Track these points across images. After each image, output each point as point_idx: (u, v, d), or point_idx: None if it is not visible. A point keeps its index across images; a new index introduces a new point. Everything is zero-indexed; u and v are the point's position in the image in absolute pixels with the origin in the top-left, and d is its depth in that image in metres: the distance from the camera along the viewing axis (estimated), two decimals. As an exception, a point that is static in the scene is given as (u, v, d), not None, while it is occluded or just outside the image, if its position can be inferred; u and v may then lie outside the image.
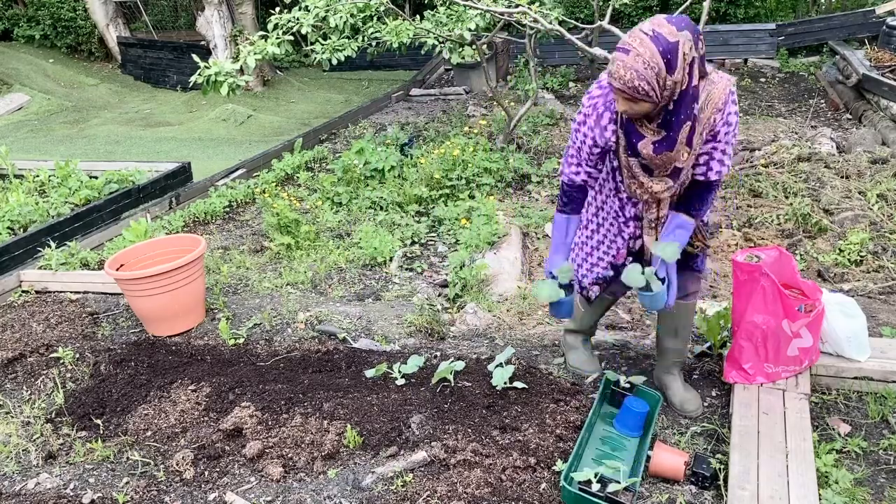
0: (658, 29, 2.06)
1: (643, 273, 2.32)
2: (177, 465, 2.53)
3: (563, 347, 3.08)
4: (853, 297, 3.51)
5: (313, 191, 5.58)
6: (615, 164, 2.44)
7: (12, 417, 2.95)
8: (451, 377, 2.85)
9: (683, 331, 2.73)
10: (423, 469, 2.42)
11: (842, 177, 5.16)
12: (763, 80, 9.16)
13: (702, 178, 2.36)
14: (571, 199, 2.53)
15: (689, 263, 2.57)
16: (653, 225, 2.48)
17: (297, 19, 4.83)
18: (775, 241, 4.38)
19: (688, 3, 4.41)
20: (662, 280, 2.35)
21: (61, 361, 3.27)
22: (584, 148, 2.41)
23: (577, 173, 2.48)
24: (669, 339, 2.74)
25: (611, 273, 2.69)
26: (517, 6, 4.71)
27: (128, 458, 2.64)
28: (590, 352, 3.03)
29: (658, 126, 2.20)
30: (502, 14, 4.80)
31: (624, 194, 2.50)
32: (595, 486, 2.18)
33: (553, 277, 2.54)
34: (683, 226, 2.38)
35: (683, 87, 2.11)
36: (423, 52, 5.85)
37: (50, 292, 4.09)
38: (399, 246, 4.43)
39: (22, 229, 4.68)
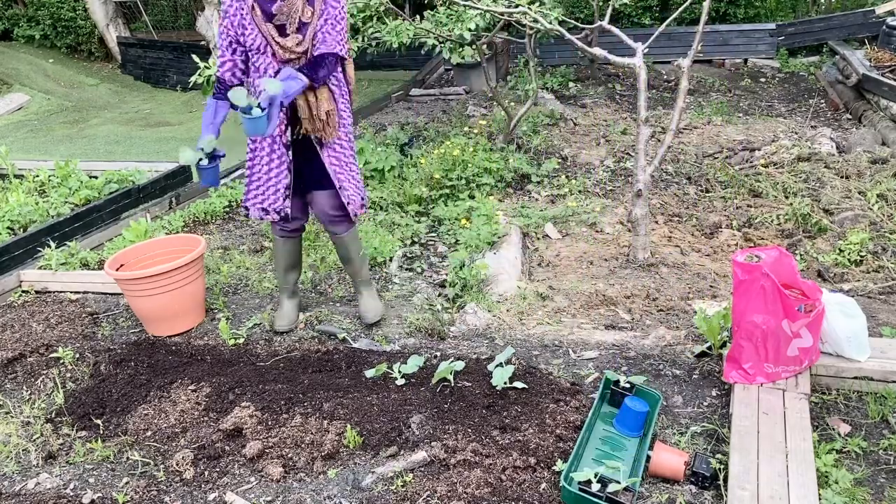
0: None
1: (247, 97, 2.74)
2: (177, 465, 2.53)
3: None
4: (853, 297, 3.51)
5: (313, 191, 5.58)
6: (260, 41, 2.97)
7: (12, 417, 2.95)
8: (451, 377, 2.85)
9: (349, 258, 3.45)
10: (423, 469, 2.42)
11: (842, 177, 5.17)
12: (763, 80, 9.16)
13: (322, 49, 2.96)
14: (221, 89, 3.09)
15: (323, 183, 3.19)
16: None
17: (297, 19, 4.81)
18: (775, 241, 4.38)
19: (688, 2, 4.40)
20: (263, 109, 2.72)
21: (61, 361, 3.27)
22: (227, 44, 3.00)
23: (224, 67, 3.06)
24: (345, 267, 3.53)
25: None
26: (517, 6, 4.71)
27: (128, 458, 2.64)
28: (291, 307, 3.52)
29: None
30: (502, 14, 4.79)
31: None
32: (595, 486, 2.18)
33: (201, 150, 2.99)
34: (293, 76, 2.83)
35: None
36: (423, 52, 5.84)
37: (50, 292, 4.09)
38: (399, 246, 4.43)
39: (22, 229, 4.68)
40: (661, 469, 2.32)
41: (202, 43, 10.72)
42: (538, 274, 4.16)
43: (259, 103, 2.71)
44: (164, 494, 2.43)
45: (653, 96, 8.33)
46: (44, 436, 2.81)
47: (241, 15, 2.94)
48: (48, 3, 11.99)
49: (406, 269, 4.23)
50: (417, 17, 5.70)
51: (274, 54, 2.98)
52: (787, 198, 4.94)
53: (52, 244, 4.34)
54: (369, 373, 3.00)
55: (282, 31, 2.96)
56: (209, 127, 3.09)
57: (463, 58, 6.17)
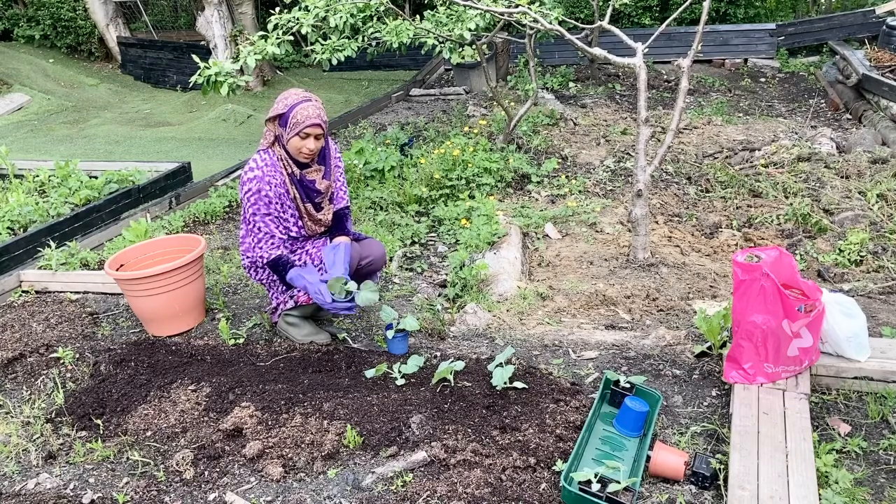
0: (307, 92, 3.00)
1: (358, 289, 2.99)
2: (177, 465, 2.53)
3: (283, 332, 3.37)
4: (853, 297, 3.52)
5: (313, 191, 5.57)
6: (293, 219, 3.11)
7: (12, 417, 2.95)
8: (451, 377, 2.85)
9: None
10: (423, 469, 2.42)
11: (842, 177, 5.17)
12: (763, 80, 9.16)
13: (341, 204, 3.23)
14: (285, 264, 3.08)
15: None
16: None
17: (297, 19, 4.82)
18: (775, 241, 4.38)
19: (688, 2, 4.40)
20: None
21: (61, 361, 3.27)
22: (275, 225, 3.04)
23: (278, 247, 3.07)
24: None
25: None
26: (517, 6, 4.70)
27: (128, 458, 2.64)
28: (314, 325, 3.39)
29: (318, 164, 3.10)
30: (502, 14, 4.79)
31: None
32: (595, 486, 2.18)
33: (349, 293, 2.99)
34: (344, 251, 3.07)
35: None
36: (423, 52, 5.84)
37: (50, 292, 4.09)
38: (399, 246, 4.43)
39: (22, 229, 4.67)
40: (661, 469, 2.32)
41: (202, 43, 10.72)
42: (538, 274, 4.16)
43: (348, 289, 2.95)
44: (164, 494, 2.43)
45: (653, 96, 8.33)
46: (44, 436, 2.81)
47: (280, 195, 3.02)
48: (48, 3, 11.99)
49: (406, 269, 4.23)
50: (417, 17, 5.70)
51: (301, 226, 3.14)
52: (787, 198, 4.94)
53: (52, 244, 4.34)
54: (369, 373, 3.00)
55: (317, 207, 3.15)
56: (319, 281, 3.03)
57: (463, 58, 6.18)
